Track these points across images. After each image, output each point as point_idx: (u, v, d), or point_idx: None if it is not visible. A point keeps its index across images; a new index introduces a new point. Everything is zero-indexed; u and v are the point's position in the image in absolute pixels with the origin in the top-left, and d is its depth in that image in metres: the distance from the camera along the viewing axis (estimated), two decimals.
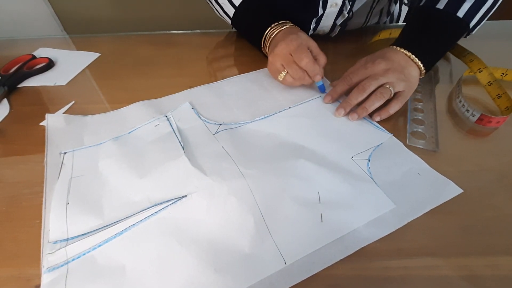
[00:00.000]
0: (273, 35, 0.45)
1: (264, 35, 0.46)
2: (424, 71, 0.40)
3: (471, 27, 0.41)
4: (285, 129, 0.38)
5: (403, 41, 0.42)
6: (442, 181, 0.32)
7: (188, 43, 0.60)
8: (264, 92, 0.45)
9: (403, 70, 0.39)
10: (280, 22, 0.46)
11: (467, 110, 0.39)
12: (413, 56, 0.39)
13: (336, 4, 0.49)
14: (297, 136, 0.37)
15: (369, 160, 0.34)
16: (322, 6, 0.50)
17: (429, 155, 0.34)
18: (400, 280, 0.26)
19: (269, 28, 0.46)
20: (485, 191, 0.31)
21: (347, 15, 0.50)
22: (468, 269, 0.26)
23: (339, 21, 0.52)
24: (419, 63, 0.39)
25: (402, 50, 0.40)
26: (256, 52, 0.53)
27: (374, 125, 0.38)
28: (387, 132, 0.37)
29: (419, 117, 0.39)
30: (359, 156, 0.34)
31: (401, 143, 0.36)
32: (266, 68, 0.50)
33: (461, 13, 0.40)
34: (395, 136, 0.37)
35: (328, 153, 0.35)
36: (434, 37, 0.41)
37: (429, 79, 0.45)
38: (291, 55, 0.41)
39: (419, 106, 0.41)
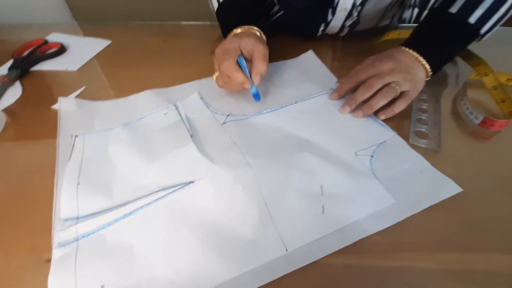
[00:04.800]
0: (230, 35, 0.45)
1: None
2: (431, 73, 0.40)
3: (482, 33, 0.41)
4: (291, 123, 0.39)
5: (412, 42, 0.42)
6: (442, 180, 0.32)
7: (198, 35, 0.61)
8: (271, 86, 0.46)
9: (410, 70, 0.39)
10: (248, 25, 0.45)
11: (471, 113, 0.39)
12: (421, 58, 0.40)
13: (345, 9, 0.49)
14: (303, 130, 0.38)
15: (372, 156, 0.35)
16: (332, 12, 0.50)
17: (431, 155, 0.35)
18: (397, 271, 0.27)
19: (235, 29, 0.45)
20: (484, 191, 0.32)
21: (356, 17, 0.51)
22: (463, 264, 0.27)
23: (348, 23, 0.52)
24: (426, 65, 0.40)
25: (411, 51, 0.40)
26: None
27: (379, 123, 0.39)
28: (391, 130, 0.38)
29: (423, 117, 0.40)
30: (363, 152, 0.35)
31: (404, 141, 0.36)
32: (274, 63, 0.51)
33: (473, 19, 0.39)
34: (398, 135, 0.37)
35: (333, 148, 0.36)
36: (444, 40, 0.41)
37: (436, 80, 0.46)
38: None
39: (424, 107, 0.41)
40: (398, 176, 0.33)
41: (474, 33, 0.41)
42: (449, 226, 0.29)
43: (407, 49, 0.41)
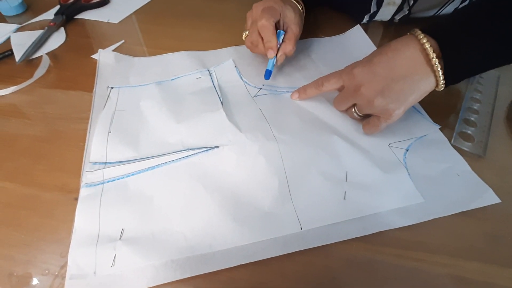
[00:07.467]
0: None
1: None
2: (443, 85, 0.28)
3: None
4: (325, 105, 0.37)
5: (434, 28, 0.28)
6: (481, 187, 0.30)
7: (243, 0, 0.59)
8: (310, 64, 0.44)
9: (393, 83, 0.29)
10: None
11: None
12: (435, 58, 0.27)
13: (394, 2, 0.44)
14: (336, 113, 0.36)
15: (407, 150, 0.32)
16: (377, 4, 0.45)
17: (473, 159, 0.32)
18: (412, 270, 0.25)
19: None
20: None
21: (407, 11, 0.45)
22: (485, 276, 0.25)
23: (398, 17, 0.47)
24: (439, 71, 0.28)
25: (426, 45, 0.28)
26: (308, 20, 0.50)
27: (422, 114, 0.36)
28: (435, 123, 0.35)
29: (472, 119, 0.36)
30: (398, 144, 0.33)
31: (447, 140, 0.34)
32: (316, 38, 0.48)
33: None
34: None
35: (365, 135, 0.34)
36: (479, 30, 0.27)
37: (495, 80, 0.41)
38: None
39: (475, 107, 0.37)
40: (433, 175, 0.30)
41: None
42: (479, 236, 0.27)
43: (423, 40, 0.28)
